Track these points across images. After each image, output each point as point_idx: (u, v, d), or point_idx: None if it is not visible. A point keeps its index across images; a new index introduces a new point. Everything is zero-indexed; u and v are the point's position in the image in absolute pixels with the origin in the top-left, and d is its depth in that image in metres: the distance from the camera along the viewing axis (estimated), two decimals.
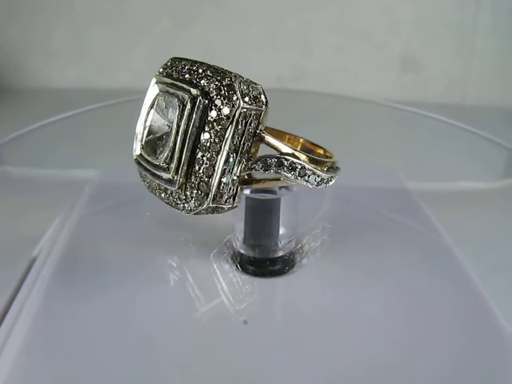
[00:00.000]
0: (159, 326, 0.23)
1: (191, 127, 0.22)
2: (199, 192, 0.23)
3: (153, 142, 0.24)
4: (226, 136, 0.22)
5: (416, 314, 0.24)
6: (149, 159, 0.24)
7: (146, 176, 0.25)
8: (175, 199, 0.24)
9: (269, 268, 0.26)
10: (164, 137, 0.23)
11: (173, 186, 0.23)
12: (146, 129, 0.24)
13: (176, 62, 0.24)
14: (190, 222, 0.29)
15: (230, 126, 0.22)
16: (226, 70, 0.23)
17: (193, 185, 0.23)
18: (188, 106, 0.22)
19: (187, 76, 0.23)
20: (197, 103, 0.22)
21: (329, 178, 0.23)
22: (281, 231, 0.25)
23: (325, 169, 0.23)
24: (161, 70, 0.24)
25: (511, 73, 0.76)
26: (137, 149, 0.25)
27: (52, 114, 0.40)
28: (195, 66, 0.23)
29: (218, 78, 0.22)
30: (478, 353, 0.22)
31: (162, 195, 0.24)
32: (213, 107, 0.22)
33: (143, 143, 0.24)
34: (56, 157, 0.40)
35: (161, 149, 0.23)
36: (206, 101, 0.22)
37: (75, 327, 0.22)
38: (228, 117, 0.22)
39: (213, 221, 0.29)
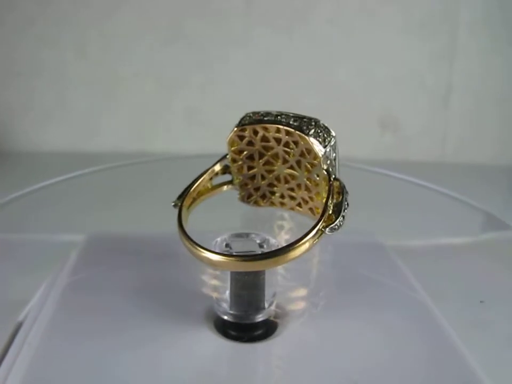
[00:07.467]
0: None
1: None
2: None
3: None
4: None
5: (395, 376, 0.24)
6: None
7: None
8: None
9: (250, 333, 0.26)
10: None
11: None
12: None
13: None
14: (173, 288, 0.30)
15: None
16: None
17: None
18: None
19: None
20: None
21: None
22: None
23: None
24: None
25: (485, 131, 0.78)
26: None
27: (35, 180, 0.41)
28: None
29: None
30: None
31: None
32: None
33: None
34: (41, 222, 0.40)
35: None
36: None
37: None
38: None
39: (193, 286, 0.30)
